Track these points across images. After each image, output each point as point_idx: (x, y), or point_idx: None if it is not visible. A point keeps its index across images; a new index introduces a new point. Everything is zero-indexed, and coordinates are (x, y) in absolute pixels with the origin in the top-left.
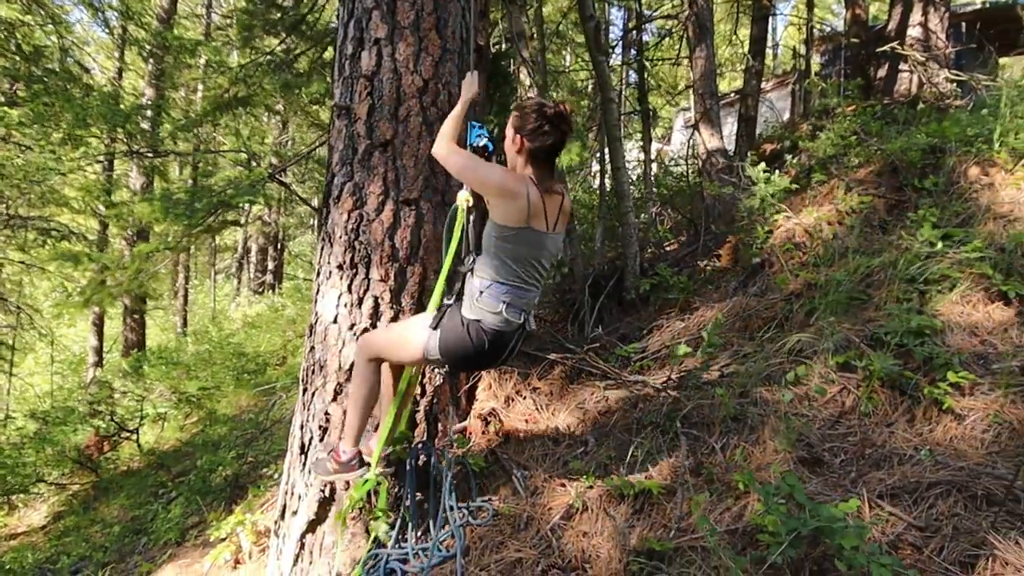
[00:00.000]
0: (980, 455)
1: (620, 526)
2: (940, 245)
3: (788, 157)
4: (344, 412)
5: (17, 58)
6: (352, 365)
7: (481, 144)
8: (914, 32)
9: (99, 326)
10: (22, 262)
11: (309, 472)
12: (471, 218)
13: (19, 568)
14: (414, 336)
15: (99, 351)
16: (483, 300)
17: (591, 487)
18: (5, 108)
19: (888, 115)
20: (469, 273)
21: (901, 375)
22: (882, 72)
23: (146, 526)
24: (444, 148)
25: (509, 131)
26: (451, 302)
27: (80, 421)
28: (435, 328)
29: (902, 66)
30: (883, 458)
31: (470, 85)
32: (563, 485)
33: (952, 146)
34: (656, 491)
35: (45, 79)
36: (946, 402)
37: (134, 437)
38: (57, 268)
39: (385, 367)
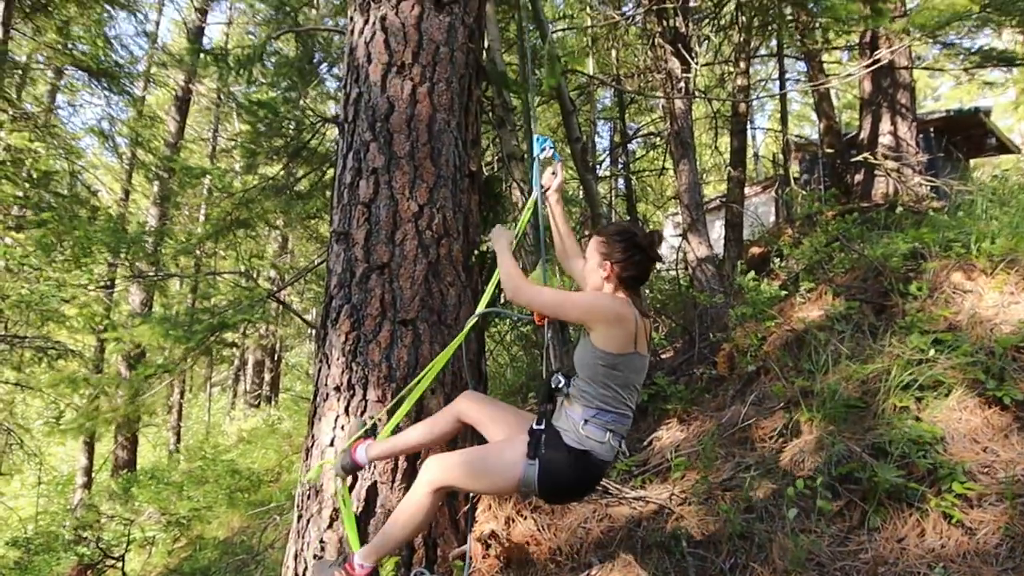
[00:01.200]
0: (995, 572)
1: None
2: (931, 351)
3: (776, 261)
4: (340, 539)
5: (27, 184)
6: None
7: (548, 155)
8: (885, 140)
9: (90, 444)
10: (17, 383)
11: None
12: (549, 335)
13: None
14: (507, 467)
15: (88, 471)
16: (589, 429)
17: None
18: (11, 237)
19: (868, 220)
20: (566, 399)
21: (906, 487)
22: (859, 176)
23: None
24: (528, 292)
25: (595, 257)
26: (542, 427)
27: (64, 548)
28: (533, 458)
29: (877, 171)
30: None
31: (502, 234)
32: None
33: (932, 251)
34: None
35: (54, 204)
36: (955, 515)
37: (119, 565)
38: (50, 387)
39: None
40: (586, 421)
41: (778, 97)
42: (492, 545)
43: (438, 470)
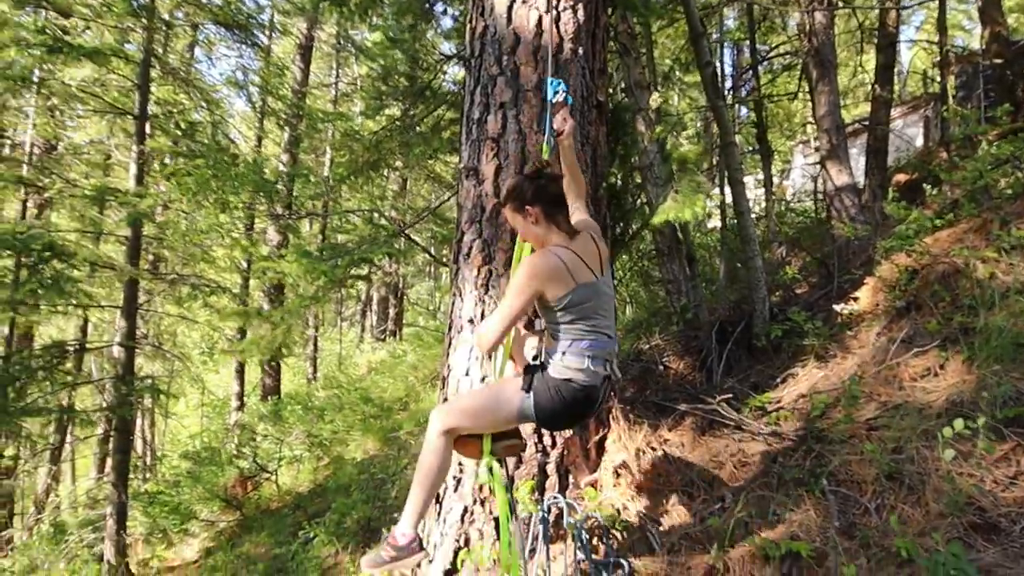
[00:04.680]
0: None
1: None
2: None
3: (928, 189)
4: (476, 463)
5: (178, 133)
6: None
7: (560, 99)
8: None
9: (240, 373)
10: (180, 316)
11: (444, 522)
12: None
13: None
14: (508, 401)
15: (241, 396)
16: (568, 359)
17: (732, 547)
18: (181, 180)
19: None
20: (545, 334)
21: None
22: None
23: (287, 565)
24: (490, 336)
25: (518, 220)
26: (537, 363)
27: (226, 462)
28: (528, 391)
29: None
30: None
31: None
32: (701, 544)
33: None
34: (805, 554)
35: (202, 153)
36: None
37: (273, 478)
38: (206, 320)
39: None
40: (564, 353)
41: (933, 2)
42: (622, 475)
43: (447, 416)
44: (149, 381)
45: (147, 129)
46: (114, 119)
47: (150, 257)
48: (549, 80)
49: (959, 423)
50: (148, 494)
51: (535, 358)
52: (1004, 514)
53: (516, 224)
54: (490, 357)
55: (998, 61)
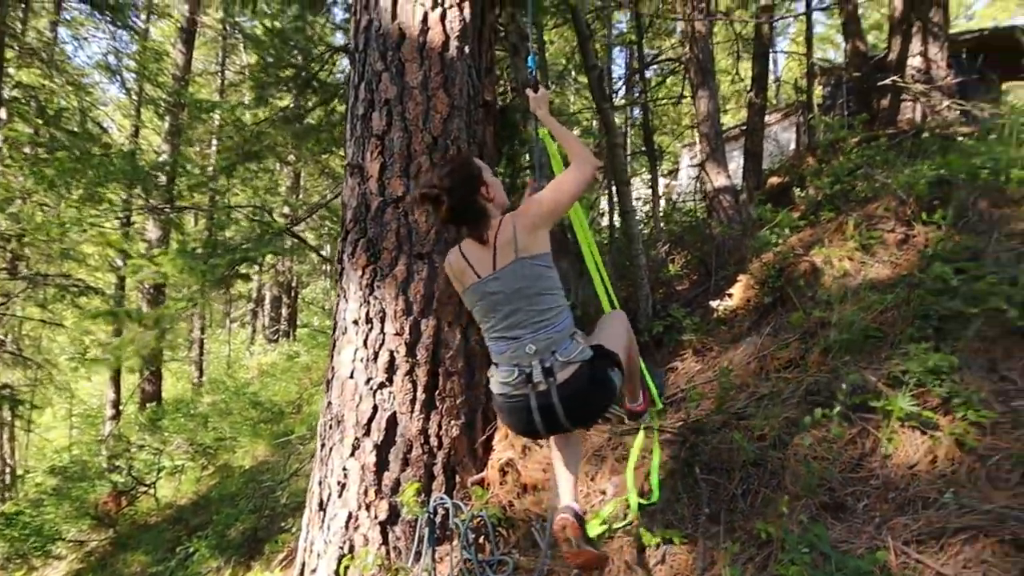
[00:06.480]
0: (1006, 497)
1: None
2: (954, 281)
3: (796, 191)
4: (362, 467)
5: (40, 121)
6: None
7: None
8: (915, 62)
9: (117, 378)
10: (42, 320)
11: (328, 529)
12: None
13: None
14: None
15: (116, 404)
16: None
17: (611, 537)
18: (38, 168)
19: (893, 147)
20: None
21: (920, 415)
22: (885, 102)
23: None
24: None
25: None
26: None
27: (98, 476)
28: None
29: (905, 96)
30: (907, 502)
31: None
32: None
33: (959, 178)
34: (678, 541)
35: (67, 142)
36: (968, 442)
37: (151, 491)
38: (75, 324)
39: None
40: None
41: (803, 17)
42: (509, 472)
43: None
44: (7, 392)
45: (2, 115)
46: None
47: (7, 255)
48: (531, 54)
49: (818, 412)
50: (5, 516)
51: None
52: (850, 493)
53: None
54: None
55: (857, 74)
